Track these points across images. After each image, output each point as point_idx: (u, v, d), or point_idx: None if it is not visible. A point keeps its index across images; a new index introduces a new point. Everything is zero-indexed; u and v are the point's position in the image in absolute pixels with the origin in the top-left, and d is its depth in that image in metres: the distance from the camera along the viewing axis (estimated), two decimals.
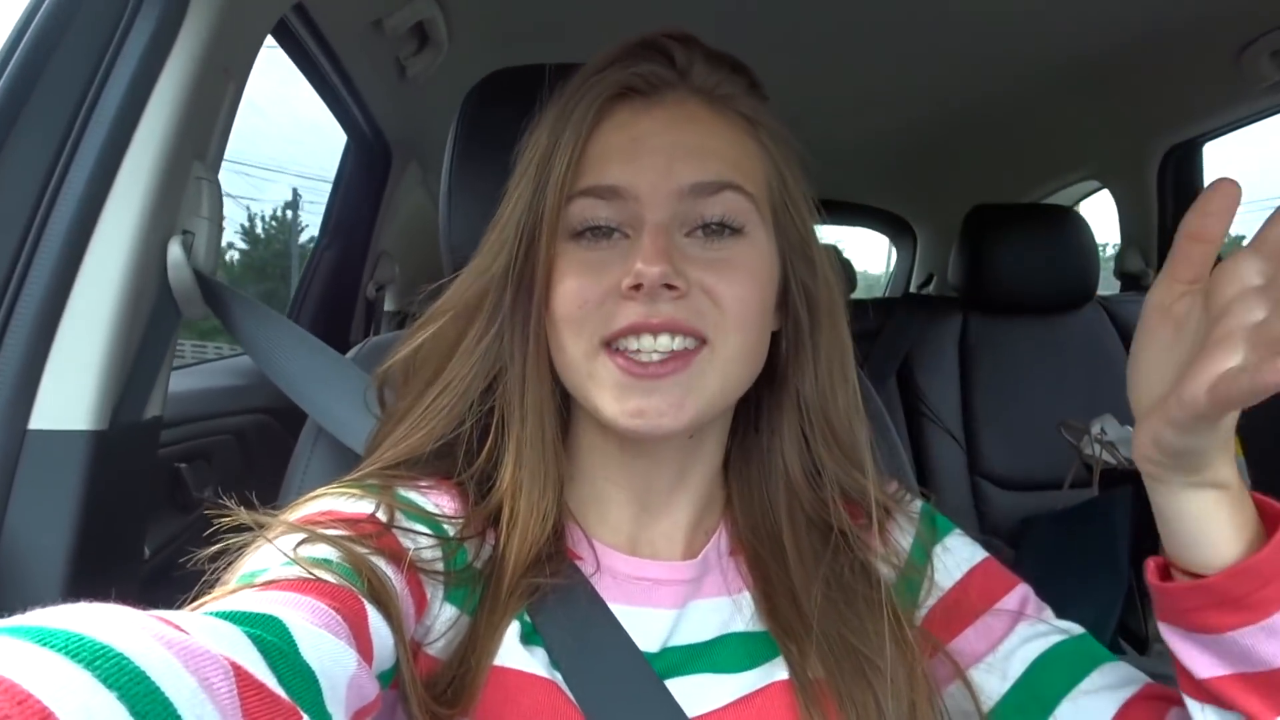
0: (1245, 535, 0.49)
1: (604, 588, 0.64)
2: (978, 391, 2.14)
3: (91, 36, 0.82)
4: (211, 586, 0.48)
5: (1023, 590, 0.67)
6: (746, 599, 0.67)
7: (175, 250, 0.86)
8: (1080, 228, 2.10)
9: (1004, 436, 2.09)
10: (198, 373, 1.56)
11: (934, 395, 2.13)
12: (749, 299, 0.61)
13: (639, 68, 0.62)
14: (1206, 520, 0.50)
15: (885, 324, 2.24)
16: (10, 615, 0.29)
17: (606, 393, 0.60)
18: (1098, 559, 1.52)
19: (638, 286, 0.57)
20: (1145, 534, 1.54)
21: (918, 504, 0.73)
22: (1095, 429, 1.72)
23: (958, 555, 0.69)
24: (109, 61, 0.83)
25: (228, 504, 0.51)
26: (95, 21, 0.83)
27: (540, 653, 0.60)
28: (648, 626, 0.63)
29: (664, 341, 0.58)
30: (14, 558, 0.73)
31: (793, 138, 0.67)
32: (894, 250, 3.90)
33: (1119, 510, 1.55)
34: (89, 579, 0.77)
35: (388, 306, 2.52)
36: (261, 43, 1.01)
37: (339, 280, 2.07)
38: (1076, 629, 0.65)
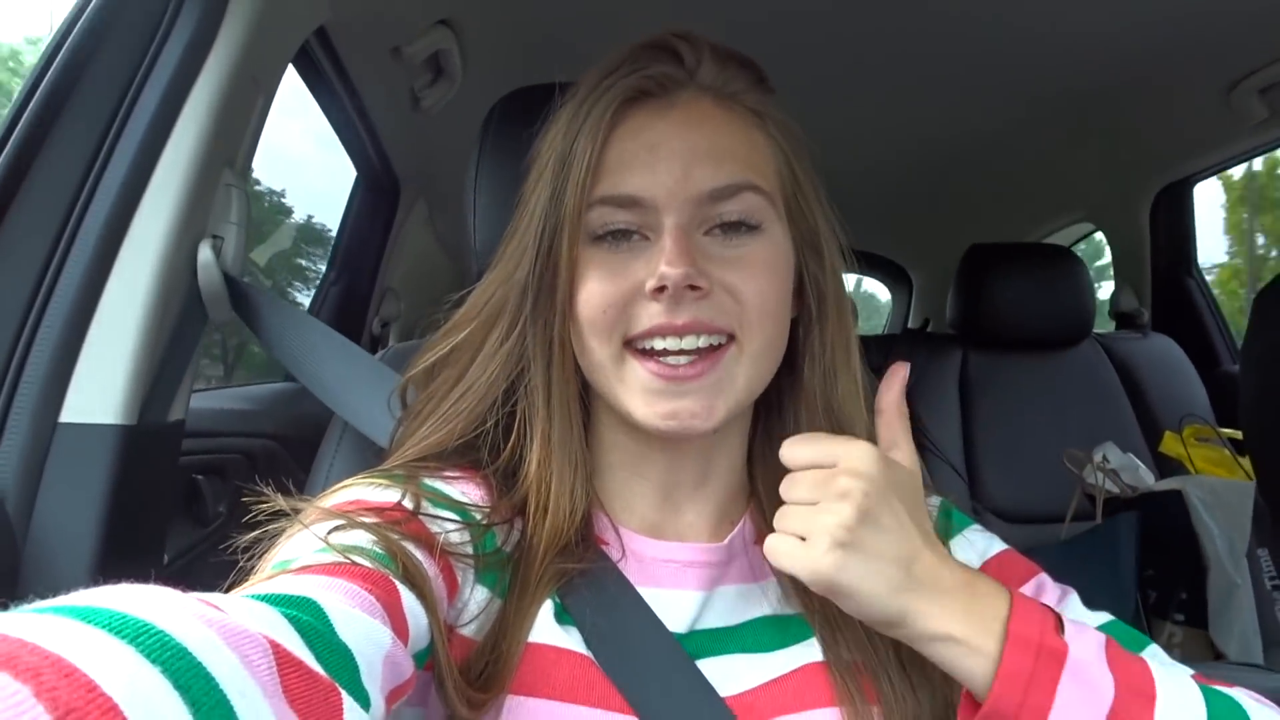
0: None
1: (630, 572, 0.64)
2: (978, 425, 2.14)
3: (129, 45, 0.86)
4: (245, 576, 0.48)
5: (1040, 578, 0.68)
6: (773, 584, 0.67)
7: (205, 253, 0.88)
8: (1076, 266, 2.12)
9: (1005, 470, 2.09)
10: (208, 396, 1.57)
11: (935, 429, 2.13)
12: (769, 293, 0.62)
13: (650, 70, 0.63)
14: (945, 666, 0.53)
15: (886, 360, 2.25)
16: (43, 599, 0.29)
17: (636, 396, 0.61)
18: (1105, 581, 1.52)
19: (662, 289, 0.58)
20: (1150, 555, 1.54)
21: (935, 499, 0.73)
22: (1098, 457, 1.73)
23: (978, 546, 0.70)
24: (145, 69, 0.85)
25: (265, 490, 0.52)
26: (132, 31, 0.86)
27: (574, 631, 0.60)
28: (675, 608, 0.63)
29: (690, 341, 0.59)
30: (43, 545, 0.73)
31: (799, 128, 0.69)
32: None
33: (1125, 531, 1.55)
34: (115, 568, 0.77)
35: (391, 343, 2.52)
36: (290, 57, 1.04)
37: (345, 315, 2.07)
38: (1105, 616, 0.65)
